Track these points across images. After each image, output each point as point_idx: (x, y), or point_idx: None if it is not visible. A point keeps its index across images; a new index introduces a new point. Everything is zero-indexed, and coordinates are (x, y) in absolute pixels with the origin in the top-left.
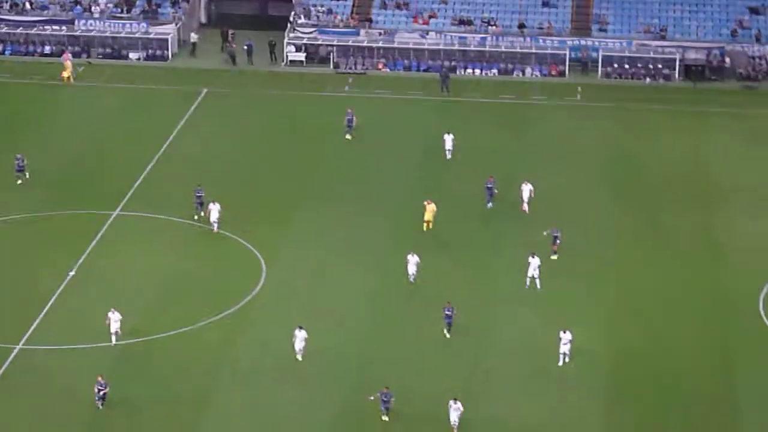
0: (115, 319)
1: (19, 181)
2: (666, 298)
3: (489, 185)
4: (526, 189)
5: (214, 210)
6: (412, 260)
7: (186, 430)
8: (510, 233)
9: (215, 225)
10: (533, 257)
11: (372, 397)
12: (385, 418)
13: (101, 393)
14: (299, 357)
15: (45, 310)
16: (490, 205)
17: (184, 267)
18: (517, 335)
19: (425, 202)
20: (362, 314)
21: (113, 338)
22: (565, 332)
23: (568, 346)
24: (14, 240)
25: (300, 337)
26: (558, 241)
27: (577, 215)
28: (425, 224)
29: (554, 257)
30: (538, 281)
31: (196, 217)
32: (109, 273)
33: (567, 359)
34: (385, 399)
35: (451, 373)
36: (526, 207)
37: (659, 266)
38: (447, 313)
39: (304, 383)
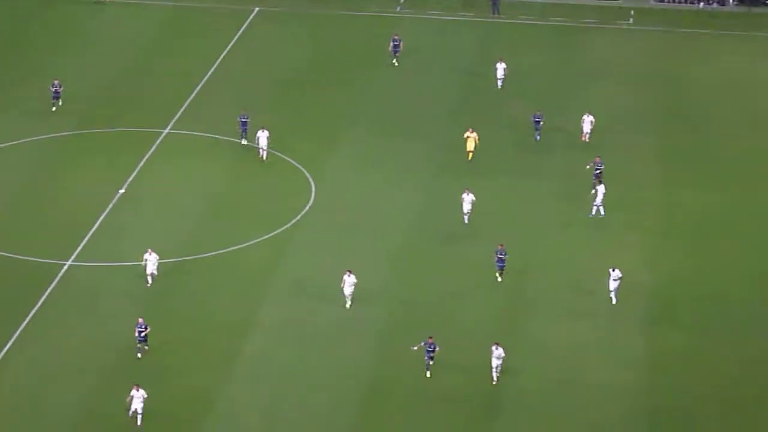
0: (151, 261)
1: (54, 108)
2: (713, 222)
3: (536, 118)
4: (588, 120)
5: (263, 137)
6: (467, 198)
7: (231, 349)
8: (559, 162)
9: (264, 152)
10: (600, 184)
11: (416, 347)
12: (428, 374)
13: (142, 335)
14: (348, 304)
15: (94, 228)
16: (538, 137)
17: (235, 186)
18: (561, 263)
19: (467, 132)
20: (408, 246)
21: (149, 279)
22: (614, 270)
23: (618, 283)
24: (65, 157)
25: (349, 282)
26: (599, 174)
27: (626, 141)
28: (468, 154)
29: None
30: (601, 209)
31: (243, 142)
32: (159, 191)
33: (615, 297)
34: (430, 349)
35: (495, 306)
36: (586, 137)
37: (707, 190)
38: (500, 256)
39: (348, 309)
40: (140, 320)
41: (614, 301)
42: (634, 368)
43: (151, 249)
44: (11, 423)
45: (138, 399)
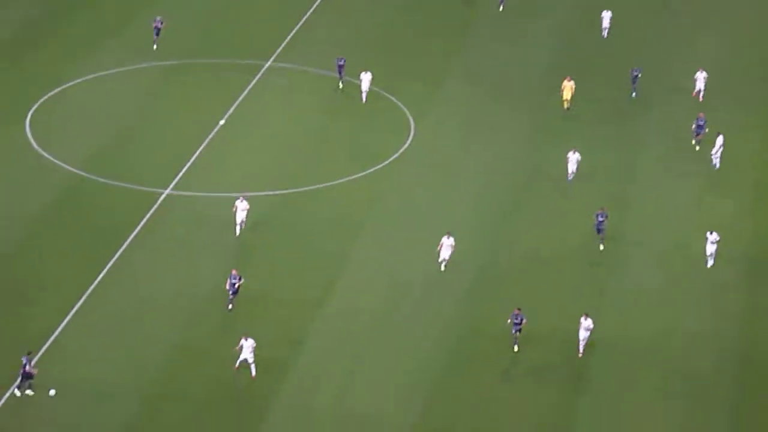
0: (242, 208)
1: (155, 46)
2: None
3: (634, 73)
4: (701, 77)
5: (366, 79)
6: (573, 158)
7: (323, 286)
8: (659, 116)
9: (364, 94)
10: (719, 135)
11: (510, 321)
12: (515, 348)
13: (236, 286)
14: (443, 267)
15: (194, 158)
16: (634, 94)
17: (335, 122)
18: (657, 219)
19: (564, 80)
20: (501, 197)
21: (238, 229)
22: (712, 233)
23: (716, 246)
24: (167, 87)
25: (447, 244)
26: (702, 131)
27: (732, 94)
28: (564, 102)
29: (697, 147)
30: (717, 160)
31: (341, 85)
32: (258, 124)
33: (713, 260)
34: (517, 321)
35: (586, 281)
36: (700, 96)
37: None
38: (600, 219)
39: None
40: (234, 272)
41: (710, 264)
42: (728, 318)
43: (243, 196)
44: (107, 346)
45: (248, 349)
